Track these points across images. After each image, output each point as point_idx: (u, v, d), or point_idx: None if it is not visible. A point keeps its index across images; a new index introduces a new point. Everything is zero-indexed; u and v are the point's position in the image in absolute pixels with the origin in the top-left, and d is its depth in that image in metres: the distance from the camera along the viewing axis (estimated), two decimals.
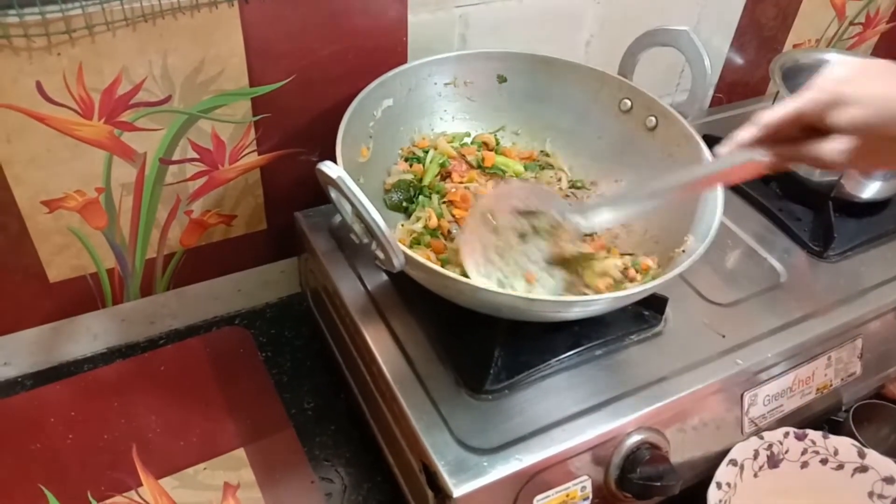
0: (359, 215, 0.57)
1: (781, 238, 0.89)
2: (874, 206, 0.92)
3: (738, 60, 1.12)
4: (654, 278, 0.68)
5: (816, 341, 0.77)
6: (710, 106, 1.15)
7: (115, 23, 0.65)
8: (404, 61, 0.83)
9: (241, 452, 0.77)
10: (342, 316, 0.77)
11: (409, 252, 0.60)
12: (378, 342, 0.71)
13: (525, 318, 0.67)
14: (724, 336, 0.76)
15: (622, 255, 0.77)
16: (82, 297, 0.82)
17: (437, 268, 0.60)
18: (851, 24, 1.20)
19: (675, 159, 0.79)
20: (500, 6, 0.85)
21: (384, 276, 0.77)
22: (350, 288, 0.76)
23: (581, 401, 0.68)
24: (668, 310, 0.77)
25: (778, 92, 0.90)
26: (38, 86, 0.66)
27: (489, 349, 0.69)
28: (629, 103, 0.83)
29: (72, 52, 0.65)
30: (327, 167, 0.56)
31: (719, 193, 0.71)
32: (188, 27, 0.69)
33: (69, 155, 0.71)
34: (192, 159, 0.78)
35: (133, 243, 0.81)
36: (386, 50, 0.81)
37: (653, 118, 0.81)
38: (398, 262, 0.59)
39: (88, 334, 0.86)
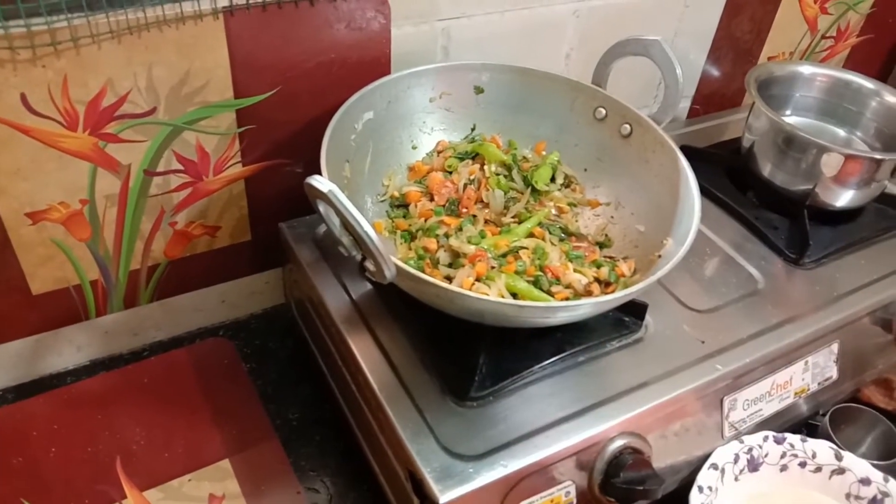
0: (349, 228, 0.58)
1: (759, 246, 0.91)
2: (848, 214, 0.95)
3: (715, 72, 1.14)
4: (626, 286, 0.70)
5: (794, 346, 0.79)
6: (688, 117, 1.17)
7: (100, 35, 0.66)
8: (388, 71, 0.84)
9: (226, 464, 0.77)
10: (327, 326, 0.77)
11: (400, 263, 0.60)
12: (363, 351, 0.71)
13: (510, 324, 0.68)
14: (703, 342, 0.77)
15: (606, 258, 0.78)
16: (66, 309, 0.82)
17: (430, 278, 0.61)
18: (823, 37, 1.23)
19: (651, 165, 0.80)
20: (482, 20, 0.87)
21: (369, 286, 0.78)
22: (335, 298, 0.77)
23: (564, 407, 0.68)
24: (649, 316, 0.78)
25: (753, 103, 0.92)
26: (23, 98, 0.66)
27: (474, 357, 0.69)
28: (604, 111, 0.84)
29: (57, 65, 0.65)
30: (317, 181, 0.56)
31: (696, 197, 0.73)
32: (173, 39, 0.69)
33: (53, 167, 0.71)
34: (177, 171, 0.78)
35: (117, 255, 0.81)
36: (370, 62, 0.82)
37: (627, 125, 0.83)
38: (389, 274, 0.60)
39: (72, 346, 0.85)
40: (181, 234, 0.83)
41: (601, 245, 0.81)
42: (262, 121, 0.79)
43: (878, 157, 0.89)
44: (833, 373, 0.84)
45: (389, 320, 0.74)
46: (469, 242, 0.74)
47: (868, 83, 0.98)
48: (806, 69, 1.00)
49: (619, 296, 0.64)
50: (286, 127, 0.81)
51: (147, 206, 0.79)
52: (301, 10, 0.74)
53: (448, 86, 0.86)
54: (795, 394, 0.81)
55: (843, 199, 0.91)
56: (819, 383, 0.83)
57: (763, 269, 0.87)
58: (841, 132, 1.00)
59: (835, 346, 0.83)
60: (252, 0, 0.71)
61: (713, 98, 1.16)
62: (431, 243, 0.75)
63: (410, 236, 0.78)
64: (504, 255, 0.74)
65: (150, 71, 0.70)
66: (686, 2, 1.01)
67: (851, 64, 1.32)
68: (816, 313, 0.82)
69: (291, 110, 0.80)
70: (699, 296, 0.83)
